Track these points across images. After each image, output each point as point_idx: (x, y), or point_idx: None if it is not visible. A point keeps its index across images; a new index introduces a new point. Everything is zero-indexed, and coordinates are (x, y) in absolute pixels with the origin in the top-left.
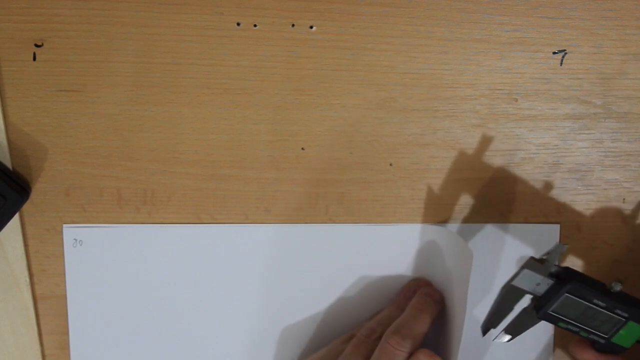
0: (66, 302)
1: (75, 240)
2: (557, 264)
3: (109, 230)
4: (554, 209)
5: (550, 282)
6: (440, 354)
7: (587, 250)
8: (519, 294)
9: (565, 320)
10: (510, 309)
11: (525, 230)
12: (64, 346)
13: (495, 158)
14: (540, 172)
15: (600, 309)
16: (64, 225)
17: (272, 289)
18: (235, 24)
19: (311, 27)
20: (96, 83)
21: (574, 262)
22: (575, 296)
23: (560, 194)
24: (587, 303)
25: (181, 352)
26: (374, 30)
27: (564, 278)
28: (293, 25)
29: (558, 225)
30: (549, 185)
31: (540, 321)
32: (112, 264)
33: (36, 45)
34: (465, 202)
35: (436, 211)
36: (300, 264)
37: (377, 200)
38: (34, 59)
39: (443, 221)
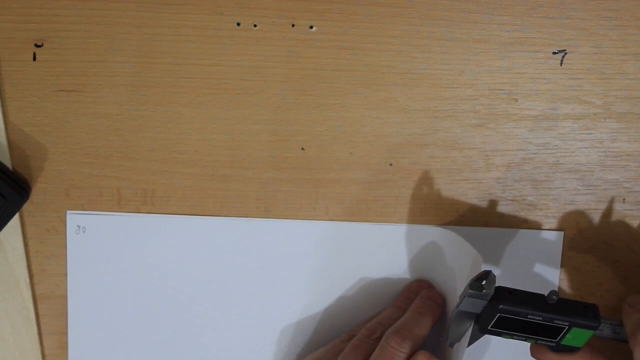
0: (66, 302)
1: (79, 227)
2: (492, 291)
3: (113, 218)
4: (554, 210)
5: (485, 302)
6: (442, 357)
7: (587, 250)
8: (469, 314)
9: (508, 333)
10: (467, 326)
11: (529, 236)
12: (64, 346)
13: (495, 158)
14: (540, 172)
15: (538, 321)
16: (68, 212)
17: (272, 286)
18: (235, 24)
19: (311, 27)
20: (96, 83)
21: (574, 263)
22: (509, 314)
23: (560, 194)
24: (522, 318)
25: (180, 349)
26: (374, 30)
27: (497, 298)
28: (293, 25)
29: (562, 233)
30: (548, 186)
31: (485, 334)
32: (114, 252)
33: (36, 45)
34: (465, 203)
35: (436, 211)
36: (300, 262)
37: (377, 200)
38: (34, 59)
39: (443, 222)
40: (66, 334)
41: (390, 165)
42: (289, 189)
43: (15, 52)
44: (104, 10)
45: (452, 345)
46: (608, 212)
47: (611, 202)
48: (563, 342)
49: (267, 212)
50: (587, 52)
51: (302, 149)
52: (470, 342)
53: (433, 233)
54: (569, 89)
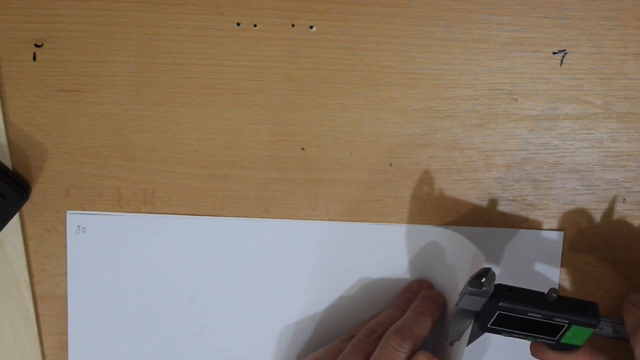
0: (66, 302)
1: (79, 227)
2: (491, 289)
3: (113, 218)
4: (554, 210)
5: (484, 300)
6: (442, 357)
7: (587, 250)
8: (469, 312)
9: (508, 331)
10: (467, 324)
11: (529, 236)
12: (64, 346)
13: (495, 158)
14: (540, 172)
15: (538, 319)
16: (68, 212)
17: (272, 286)
18: (235, 24)
19: (311, 27)
20: (96, 83)
21: (574, 263)
22: (508, 312)
23: (560, 194)
24: (522, 316)
25: (180, 349)
26: (374, 30)
27: (496, 295)
28: (293, 25)
29: (562, 233)
30: (548, 186)
31: (485, 332)
32: (114, 252)
33: (36, 45)
34: (465, 203)
35: (436, 211)
36: (300, 262)
37: (377, 200)
38: (34, 59)
39: (443, 222)
40: (66, 334)
41: (390, 165)
42: (289, 189)
43: (15, 52)
44: (104, 10)
45: (452, 344)
46: (608, 212)
47: (611, 202)
48: (563, 340)
49: (267, 212)
50: (587, 52)
51: (302, 149)
52: (470, 341)
53: (433, 233)
54: (569, 89)
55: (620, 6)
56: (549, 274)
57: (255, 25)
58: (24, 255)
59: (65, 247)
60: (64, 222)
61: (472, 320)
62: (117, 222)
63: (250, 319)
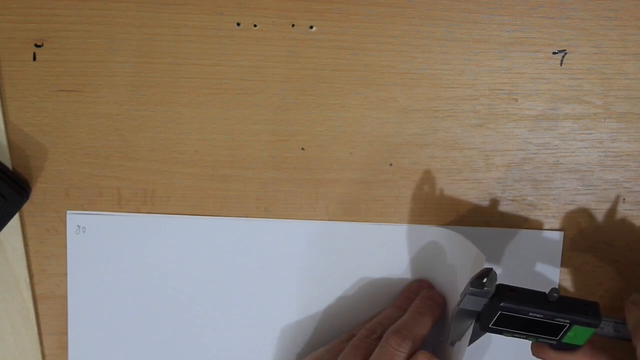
0: (66, 302)
1: (79, 227)
2: (493, 289)
3: (113, 218)
4: (554, 210)
5: (486, 300)
6: (443, 356)
7: (587, 250)
8: (470, 312)
9: (509, 331)
10: (468, 324)
11: (529, 236)
12: (64, 346)
13: (495, 158)
14: (540, 172)
15: (539, 319)
16: (68, 212)
17: (272, 286)
18: (235, 24)
19: (311, 27)
20: (96, 83)
21: (575, 263)
22: (510, 312)
23: (560, 194)
24: (523, 316)
25: (180, 349)
26: (374, 30)
27: (498, 296)
28: (293, 25)
29: (562, 233)
30: (548, 186)
31: (486, 332)
32: (114, 252)
33: (36, 45)
34: (465, 203)
35: (436, 212)
36: (300, 263)
37: (377, 200)
38: (34, 59)
39: (444, 222)
40: (66, 334)
41: (390, 165)
42: (289, 189)
43: (15, 52)
44: (104, 10)
45: (453, 344)
46: (608, 212)
47: (611, 202)
48: (564, 340)
49: (267, 212)
50: (587, 52)
51: (302, 149)
52: (471, 341)
53: (433, 233)
54: (569, 89)
55: (620, 6)
56: (549, 274)
57: (255, 25)
58: (24, 255)
59: (65, 247)
60: (64, 222)
61: (474, 321)
62: (117, 222)
63: (250, 319)
